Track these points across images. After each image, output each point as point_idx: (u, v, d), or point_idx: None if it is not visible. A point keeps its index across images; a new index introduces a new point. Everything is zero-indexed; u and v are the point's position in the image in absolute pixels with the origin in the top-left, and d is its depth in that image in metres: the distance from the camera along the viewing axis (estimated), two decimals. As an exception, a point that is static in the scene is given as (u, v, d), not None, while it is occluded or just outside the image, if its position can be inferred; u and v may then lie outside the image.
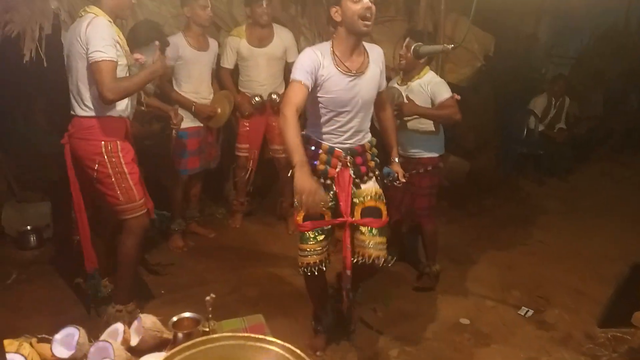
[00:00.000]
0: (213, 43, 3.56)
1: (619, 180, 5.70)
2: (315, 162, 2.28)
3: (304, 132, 2.32)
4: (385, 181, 2.51)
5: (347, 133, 2.31)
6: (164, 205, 3.58)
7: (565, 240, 4.15)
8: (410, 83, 3.07)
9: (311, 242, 2.30)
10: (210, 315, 1.69)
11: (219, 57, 3.68)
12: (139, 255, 2.67)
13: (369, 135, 2.44)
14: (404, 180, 2.55)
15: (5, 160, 3.77)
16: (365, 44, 2.30)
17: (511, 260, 3.76)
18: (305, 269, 2.33)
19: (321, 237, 2.31)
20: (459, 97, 2.99)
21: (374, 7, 2.13)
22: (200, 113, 3.47)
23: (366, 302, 3.09)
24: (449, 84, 3.12)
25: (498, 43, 4.50)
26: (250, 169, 3.89)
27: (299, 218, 2.29)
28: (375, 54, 2.33)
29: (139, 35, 2.86)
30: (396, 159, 2.55)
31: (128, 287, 2.67)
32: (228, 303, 2.95)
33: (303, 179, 1.95)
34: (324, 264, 2.34)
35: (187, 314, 1.67)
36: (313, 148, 2.30)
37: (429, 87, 3.00)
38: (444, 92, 2.97)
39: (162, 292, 3.09)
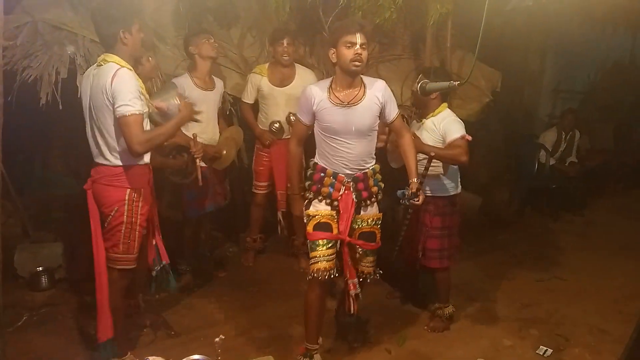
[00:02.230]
0: (219, 82, 3.61)
1: (634, 215, 5.60)
2: (317, 185, 2.59)
3: (313, 160, 2.66)
4: (402, 202, 2.63)
5: (347, 159, 2.57)
6: (174, 244, 3.61)
7: (584, 276, 4.05)
8: (425, 120, 3.02)
9: (320, 249, 2.55)
10: (219, 358, 1.67)
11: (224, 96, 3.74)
12: (122, 306, 2.59)
13: (373, 162, 2.66)
14: (420, 195, 2.59)
15: (21, 202, 3.82)
16: (367, 78, 2.58)
17: (528, 297, 3.67)
18: (315, 275, 2.54)
19: (329, 245, 2.56)
20: (470, 138, 2.89)
21: (364, 53, 2.42)
22: (205, 154, 3.49)
23: (379, 343, 3.02)
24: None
25: (504, 79, 4.55)
26: (281, 210, 3.87)
27: (309, 227, 2.59)
28: (375, 87, 2.56)
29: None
30: (414, 179, 2.62)
31: (119, 339, 2.59)
32: (238, 345, 2.91)
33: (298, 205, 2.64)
34: (331, 273, 2.56)
35: (196, 357, 1.65)
36: (320, 173, 2.60)
37: (441, 125, 2.94)
38: (455, 132, 2.89)
39: (172, 333, 3.04)
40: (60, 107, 3.06)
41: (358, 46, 2.40)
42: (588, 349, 3.02)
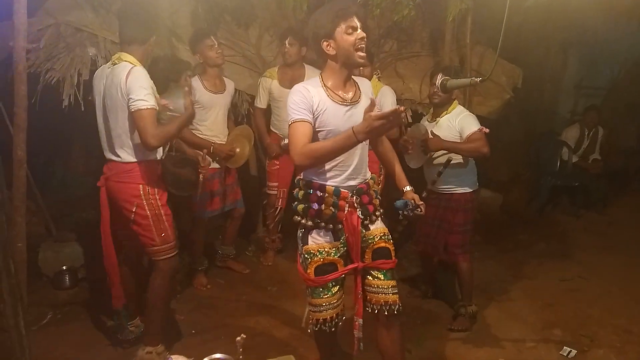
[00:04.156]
0: (230, 84, 3.61)
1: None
2: (315, 206, 2.11)
3: (301, 177, 2.21)
4: (404, 213, 2.26)
5: (349, 169, 2.15)
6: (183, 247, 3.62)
7: (608, 276, 3.97)
8: (439, 119, 3.07)
9: (326, 295, 2.15)
10: (241, 357, 1.67)
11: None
12: (168, 296, 2.69)
13: (369, 171, 2.29)
14: (422, 204, 2.29)
15: (44, 202, 3.89)
16: (353, 76, 2.22)
17: (551, 297, 3.61)
18: (321, 326, 2.17)
19: (336, 288, 2.17)
20: (487, 130, 2.95)
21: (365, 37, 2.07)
22: (218, 153, 3.47)
23: (400, 342, 3.00)
24: (479, 116, 3.10)
25: (525, 75, 4.49)
26: (279, 207, 3.90)
27: (310, 270, 2.15)
28: (365, 86, 2.24)
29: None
30: (407, 187, 2.33)
31: (158, 329, 2.67)
32: (259, 344, 2.91)
33: (364, 125, 1.85)
34: (339, 318, 2.20)
35: (217, 355, 1.65)
36: (317, 192, 2.13)
37: (457, 121, 2.99)
38: (472, 126, 2.95)
39: (193, 331, 3.07)
40: (82, 108, 3.10)
41: (360, 30, 2.03)
42: (613, 349, 2.96)
